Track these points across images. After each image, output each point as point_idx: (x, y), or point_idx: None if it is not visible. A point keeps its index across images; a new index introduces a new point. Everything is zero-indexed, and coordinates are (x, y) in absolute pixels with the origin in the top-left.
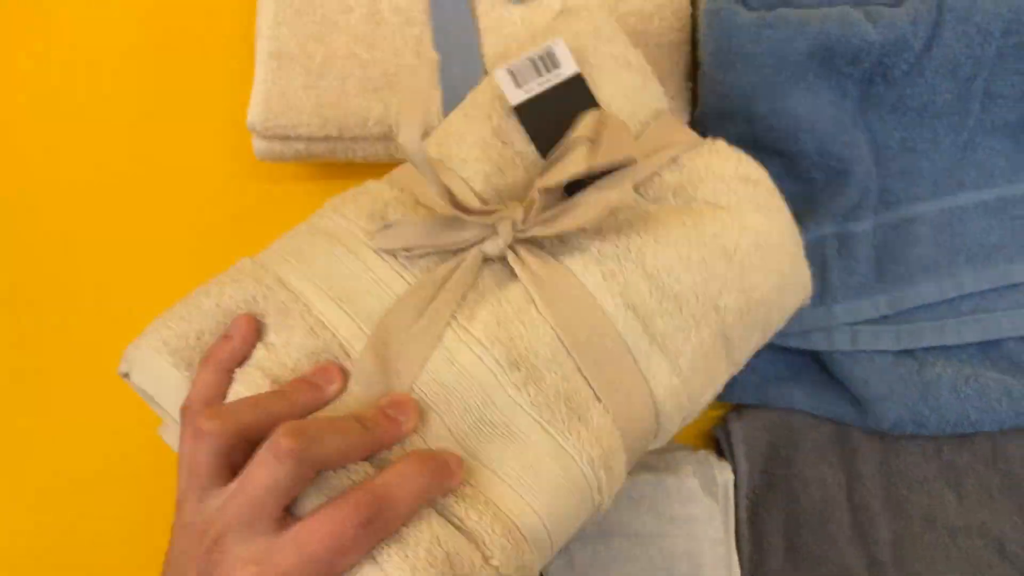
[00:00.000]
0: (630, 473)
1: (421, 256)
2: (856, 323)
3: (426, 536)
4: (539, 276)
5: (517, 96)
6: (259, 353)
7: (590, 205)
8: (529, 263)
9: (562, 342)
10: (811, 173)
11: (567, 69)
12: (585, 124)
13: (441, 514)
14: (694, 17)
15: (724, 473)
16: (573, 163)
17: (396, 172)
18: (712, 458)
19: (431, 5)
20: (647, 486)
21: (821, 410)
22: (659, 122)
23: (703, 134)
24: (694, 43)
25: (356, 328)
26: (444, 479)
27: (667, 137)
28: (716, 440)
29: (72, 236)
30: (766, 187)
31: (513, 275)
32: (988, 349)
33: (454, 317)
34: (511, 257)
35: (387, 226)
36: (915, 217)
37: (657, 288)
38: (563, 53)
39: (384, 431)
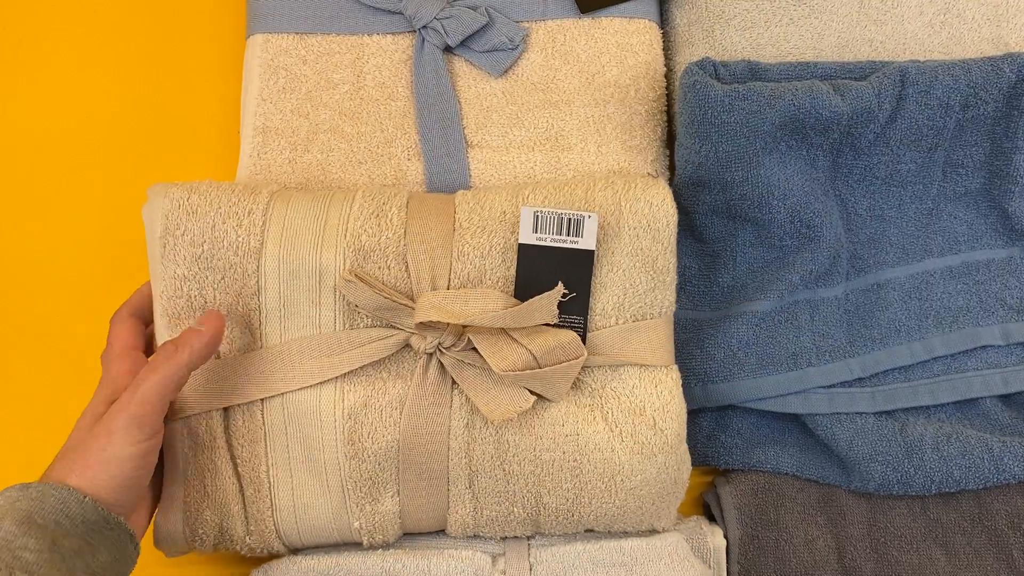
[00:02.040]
0: (621, 538)
1: (367, 317)
2: (832, 386)
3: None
4: (431, 380)
5: (529, 238)
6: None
7: (503, 356)
8: (432, 368)
9: (399, 444)
10: (783, 240)
11: (586, 244)
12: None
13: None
14: (670, 88)
15: (716, 538)
16: (502, 321)
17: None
18: (703, 524)
19: (414, 81)
20: (639, 551)
21: (807, 472)
22: (643, 326)
23: (679, 202)
24: (671, 114)
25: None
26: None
27: (638, 344)
28: (706, 505)
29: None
30: (673, 435)
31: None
32: (965, 408)
33: (345, 376)
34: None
35: (352, 281)
36: (884, 283)
37: (499, 459)
38: (591, 230)
39: (189, 343)
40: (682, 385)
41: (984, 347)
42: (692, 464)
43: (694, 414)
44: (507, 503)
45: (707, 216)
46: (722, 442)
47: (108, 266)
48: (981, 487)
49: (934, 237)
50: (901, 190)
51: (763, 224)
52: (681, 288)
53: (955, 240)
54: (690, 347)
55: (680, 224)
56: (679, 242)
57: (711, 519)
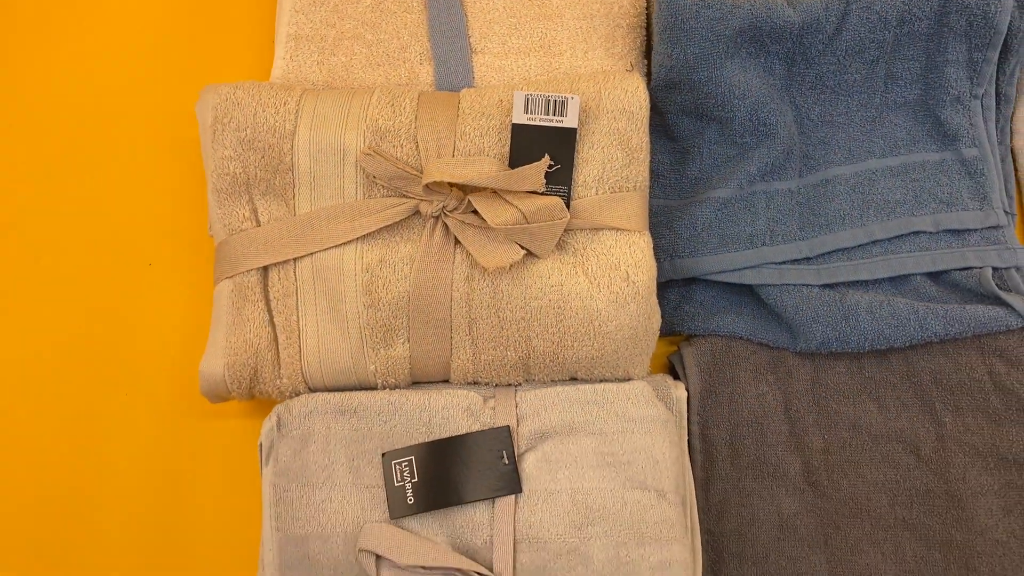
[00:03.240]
0: (598, 383)
1: (383, 189)
2: (782, 263)
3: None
4: (436, 240)
5: (521, 118)
6: None
7: (498, 213)
8: (438, 230)
9: (409, 296)
10: (743, 137)
11: (569, 122)
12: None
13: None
14: (649, 7)
15: (679, 391)
16: (496, 181)
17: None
18: (668, 379)
19: None
20: (611, 392)
21: (759, 336)
22: (620, 197)
23: (654, 104)
24: (650, 30)
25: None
26: None
27: (615, 212)
28: (671, 367)
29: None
30: (644, 287)
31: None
32: (898, 284)
33: (364, 238)
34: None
35: (370, 155)
36: (832, 179)
37: (494, 307)
38: (573, 109)
39: None
40: (653, 260)
41: (917, 233)
42: (660, 334)
43: (663, 287)
44: (501, 347)
45: (678, 116)
46: (686, 311)
47: (166, 160)
48: (908, 345)
49: (877, 141)
50: (848, 98)
51: (726, 122)
52: (655, 181)
53: (896, 144)
54: (661, 228)
55: (654, 124)
56: (653, 141)
57: (676, 378)
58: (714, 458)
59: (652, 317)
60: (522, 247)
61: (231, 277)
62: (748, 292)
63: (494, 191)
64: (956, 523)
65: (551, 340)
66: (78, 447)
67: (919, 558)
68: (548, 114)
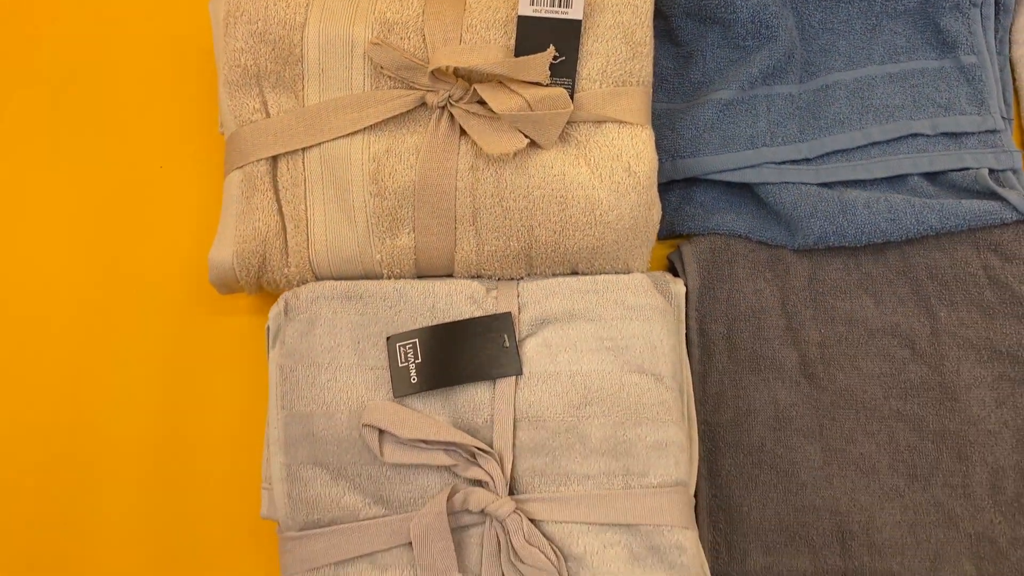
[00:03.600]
0: (597, 274)
1: (390, 80)
2: (782, 163)
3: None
4: (442, 130)
5: (527, 10)
6: None
7: (502, 100)
8: (443, 120)
9: (415, 185)
10: (745, 40)
11: (574, 14)
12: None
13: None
14: None
15: (677, 286)
16: (501, 68)
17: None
18: (668, 276)
19: None
20: (610, 282)
21: (758, 234)
22: (623, 90)
23: (659, 7)
24: None
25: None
26: None
27: (618, 104)
28: (671, 266)
29: None
30: (644, 178)
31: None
32: (896, 184)
33: (371, 129)
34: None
35: (378, 44)
36: (832, 84)
37: (498, 196)
38: (578, 1)
39: None
40: (655, 152)
41: (915, 136)
42: (660, 236)
43: (664, 189)
44: (504, 238)
45: (681, 19)
46: (687, 212)
47: (176, 65)
48: (904, 239)
49: (876, 48)
50: (848, 5)
51: (728, 25)
52: (658, 86)
53: (895, 51)
54: (664, 130)
55: (658, 29)
56: (658, 46)
57: (675, 276)
58: (711, 352)
59: (652, 208)
60: (526, 136)
61: (241, 167)
62: (747, 193)
63: (499, 82)
64: (949, 414)
65: (553, 229)
66: (90, 345)
67: (912, 448)
68: (553, 6)
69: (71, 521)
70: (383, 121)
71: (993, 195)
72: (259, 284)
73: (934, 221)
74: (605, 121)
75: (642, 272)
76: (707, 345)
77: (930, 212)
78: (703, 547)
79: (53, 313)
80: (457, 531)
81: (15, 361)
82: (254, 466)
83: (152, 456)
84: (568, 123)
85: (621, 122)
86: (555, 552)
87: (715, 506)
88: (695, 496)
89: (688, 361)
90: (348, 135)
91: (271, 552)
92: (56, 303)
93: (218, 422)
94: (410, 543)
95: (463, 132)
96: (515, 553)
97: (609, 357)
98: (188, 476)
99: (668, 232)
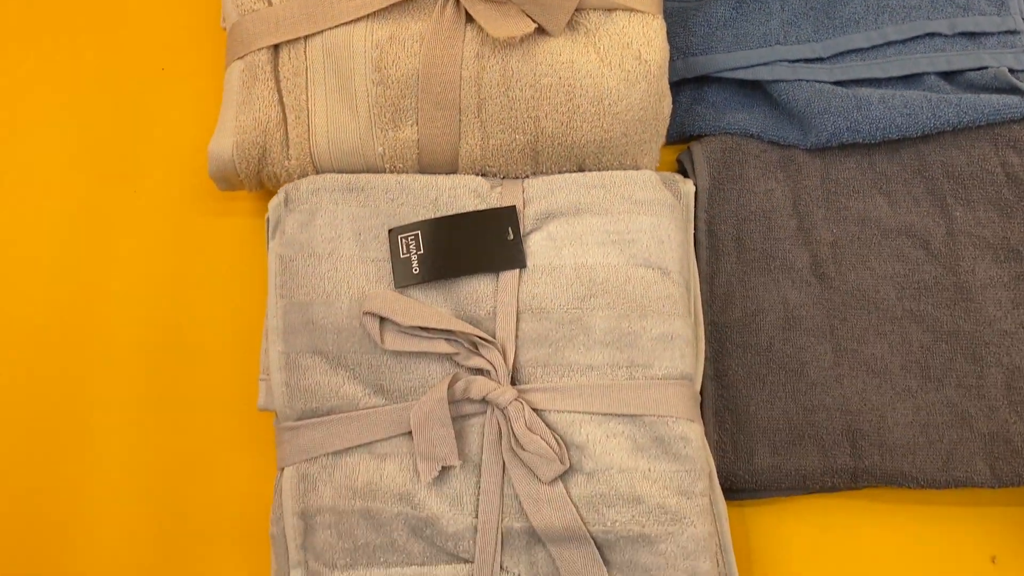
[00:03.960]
0: (604, 171)
1: None
2: (795, 61)
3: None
4: (447, 16)
5: None
6: None
7: None
8: (449, 6)
9: (418, 74)
10: None
11: None
12: None
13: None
14: None
15: (687, 186)
16: None
17: None
18: (677, 176)
19: None
20: (618, 177)
21: (770, 133)
22: None
23: None
24: None
25: None
26: None
27: None
28: (680, 167)
29: None
30: (655, 66)
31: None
32: (912, 83)
33: (374, 17)
34: None
35: None
36: None
37: (504, 86)
38: None
39: None
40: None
41: (932, 35)
42: (670, 138)
43: (675, 88)
44: (510, 130)
45: None
46: (698, 112)
47: None
48: (920, 135)
49: None
50: None
51: None
52: None
53: None
54: (676, 28)
55: None
56: None
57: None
58: (720, 253)
59: (663, 100)
60: (534, 21)
61: (242, 57)
62: (760, 92)
63: None
64: (964, 315)
65: (560, 120)
66: (89, 245)
67: (925, 348)
68: None
69: (66, 417)
70: (387, 7)
71: (1013, 90)
72: (259, 178)
73: (951, 116)
74: (615, 9)
75: (651, 170)
76: (716, 246)
77: (947, 107)
78: (709, 447)
79: (51, 213)
80: (458, 420)
81: (11, 261)
82: (251, 364)
83: (149, 356)
84: (577, 10)
85: (632, 10)
86: (557, 440)
87: (721, 406)
88: (701, 397)
89: (696, 261)
90: (351, 22)
91: (268, 445)
92: (55, 204)
93: (216, 322)
94: (409, 433)
95: (469, 19)
96: (516, 440)
97: (615, 250)
98: (185, 376)
99: (678, 135)
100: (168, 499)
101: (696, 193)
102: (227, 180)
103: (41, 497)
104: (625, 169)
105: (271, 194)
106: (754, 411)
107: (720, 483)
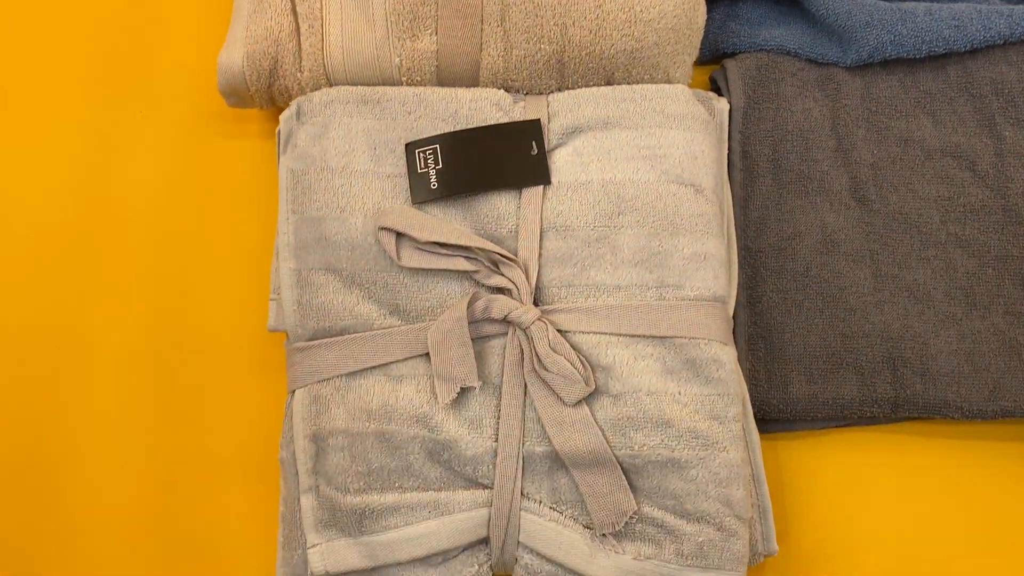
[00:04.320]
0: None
1: None
2: None
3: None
4: None
5: None
6: None
7: None
8: None
9: None
10: None
11: None
12: None
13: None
14: None
15: (721, 103)
16: None
17: None
18: (711, 94)
19: None
20: (649, 90)
21: (808, 50)
22: None
23: None
24: None
25: None
26: None
27: None
28: (713, 85)
29: None
30: None
31: None
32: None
33: None
34: None
35: None
36: None
37: None
38: None
39: None
40: None
41: None
42: (703, 57)
43: (709, 4)
44: (535, 40)
45: None
46: (732, 29)
47: None
48: (968, 47)
49: None
50: None
51: None
52: None
53: None
54: None
55: None
56: None
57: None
58: (755, 174)
59: (697, 9)
60: None
61: None
62: (797, 7)
63: None
64: (1013, 239)
65: (588, 28)
66: (92, 166)
67: (971, 274)
68: None
69: (71, 340)
70: None
71: None
72: (270, 93)
73: (1003, 28)
74: None
75: (684, 85)
76: (750, 167)
77: (998, 18)
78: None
79: (55, 135)
80: (477, 342)
81: (15, 183)
82: (259, 289)
83: (156, 280)
84: None
85: None
86: (582, 361)
87: (755, 334)
88: (734, 327)
89: (729, 184)
90: None
91: (278, 369)
92: (59, 125)
93: (225, 246)
94: (426, 354)
95: None
96: (539, 361)
97: (646, 165)
98: (192, 300)
99: (711, 53)
100: (175, 425)
101: (730, 113)
102: (237, 95)
103: (45, 420)
104: (656, 83)
105: (281, 111)
106: (789, 338)
107: (754, 414)
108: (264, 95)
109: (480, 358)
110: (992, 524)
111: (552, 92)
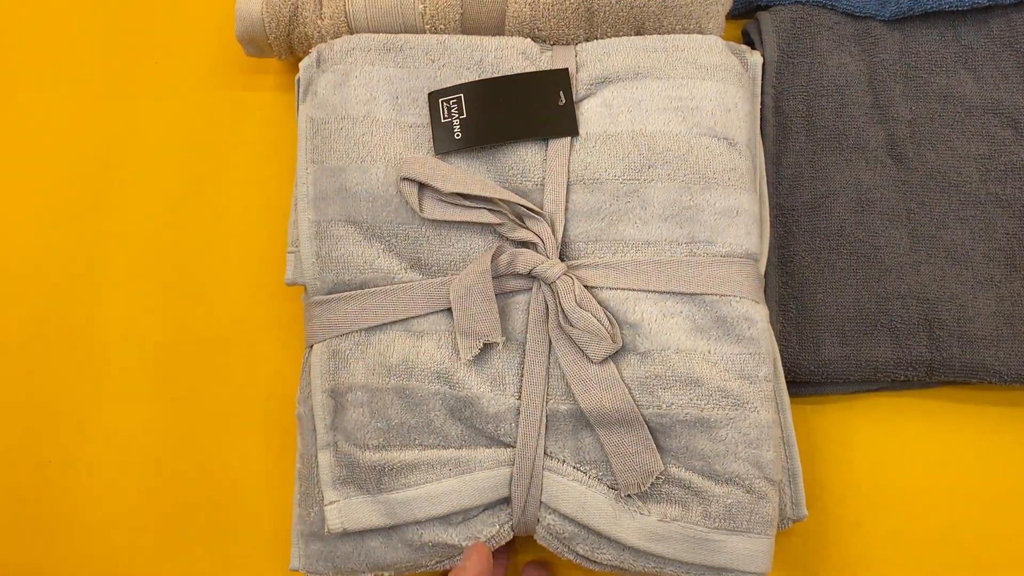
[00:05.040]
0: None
1: None
2: None
3: None
4: None
5: None
6: None
7: None
8: None
9: None
10: None
11: None
12: None
13: None
14: None
15: (754, 56)
16: None
17: None
18: (744, 47)
19: None
20: (681, 40)
21: (844, 2)
22: None
23: None
24: None
25: None
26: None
27: None
28: (747, 38)
29: None
30: None
31: None
32: None
33: None
34: None
35: None
36: None
37: None
38: None
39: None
40: None
41: None
42: (734, 11)
43: None
44: None
45: None
46: None
47: None
48: (1013, 0)
49: None
50: None
51: None
52: None
53: None
54: None
55: None
56: None
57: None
58: (788, 131)
59: None
60: None
61: None
62: None
63: None
64: None
65: None
66: (108, 117)
67: (1011, 235)
68: None
69: (85, 290)
70: None
71: None
72: (289, 41)
73: None
74: None
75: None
76: (784, 123)
77: None
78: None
79: (71, 85)
80: (501, 297)
81: (30, 132)
82: (277, 243)
83: (172, 233)
84: None
85: None
86: (609, 318)
87: (786, 294)
88: (764, 287)
89: (762, 140)
90: None
91: (296, 324)
92: (75, 76)
93: (242, 200)
94: (449, 309)
95: None
96: (564, 317)
97: (677, 117)
98: (209, 253)
99: (744, 6)
100: (190, 378)
101: (763, 66)
102: (255, 43)
103: (63, 371)
104: (688, 34)
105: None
106: (822, 299)
107: (784, 376)
108: (283, 43)
109: (504, 314)
110: None
111: (580, 42)
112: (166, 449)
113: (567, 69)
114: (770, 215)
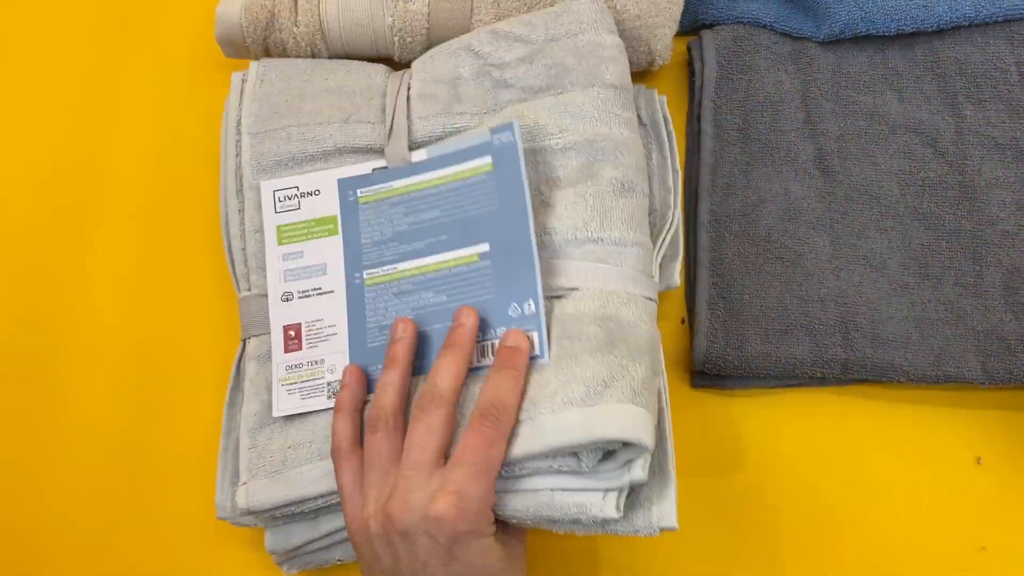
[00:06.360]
0: None
1: None
2: None
3: None
4: None
5: None
6: None
7: None
8: None
9: None
10: None
11: None
12: None
13: None
14: None
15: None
16: None
17: None
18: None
19: None
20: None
21: (783, 23)
22: None
23: None
24: None
25: None
26: (523, 363)
27: None
28: (689, 55)
29: None
30: None
31: None
32: None
33: None
34: None
35: None
36: None
37: None
38: None
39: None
40: None
41: None
42: (683, 26)
43: None
44: (525, 7)
45: None
46: (711, 1)
47: None
48: (936, 28)
49: None
50: None
51: None
52: None
53: None
54: None
55: None
56: None
57: (691, 72)
58: (725, 142)
59: None
60: None
61: None
62: None
63: None
64: (967, 214)
65: None
66: (90, 109)
67: (925, 246)
68: None
69: (66, 256)
70: None
71: None
72: (266, 46)
73: (968, 10)
74: None
75: (664, 60)
76: (721, 136)
77: (965, 0)
78: (701, 335)
79: (54, 82)
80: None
81: (9, 128)
82: None
83: (147, 227)
84: None
85: None
86: None
87: (715, 294)
88: (695, 288)
89: (700, 151)
90: None
91: None
92: (58, 74)
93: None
94: None
95: None
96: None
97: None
98: (182, 252)
99: (691, 23)
100: (169, 376)
101: (703, 82)
102: (233, 45)
103: (39, 338)
104: (638, 55)
105: None
106: (748, 299)
107: (710, 370)
108: (260, 46)
109: None
110: (932, 482)
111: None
112: (138, 443)
113: None
114: (706, 221)
